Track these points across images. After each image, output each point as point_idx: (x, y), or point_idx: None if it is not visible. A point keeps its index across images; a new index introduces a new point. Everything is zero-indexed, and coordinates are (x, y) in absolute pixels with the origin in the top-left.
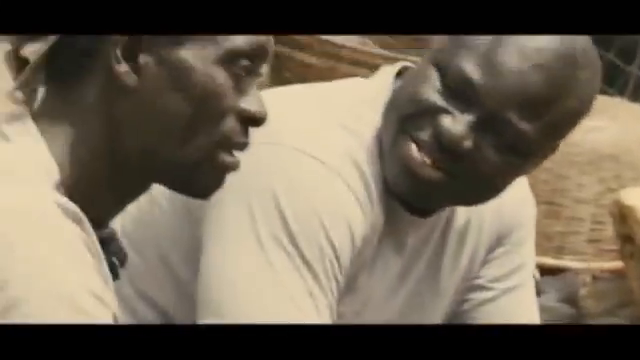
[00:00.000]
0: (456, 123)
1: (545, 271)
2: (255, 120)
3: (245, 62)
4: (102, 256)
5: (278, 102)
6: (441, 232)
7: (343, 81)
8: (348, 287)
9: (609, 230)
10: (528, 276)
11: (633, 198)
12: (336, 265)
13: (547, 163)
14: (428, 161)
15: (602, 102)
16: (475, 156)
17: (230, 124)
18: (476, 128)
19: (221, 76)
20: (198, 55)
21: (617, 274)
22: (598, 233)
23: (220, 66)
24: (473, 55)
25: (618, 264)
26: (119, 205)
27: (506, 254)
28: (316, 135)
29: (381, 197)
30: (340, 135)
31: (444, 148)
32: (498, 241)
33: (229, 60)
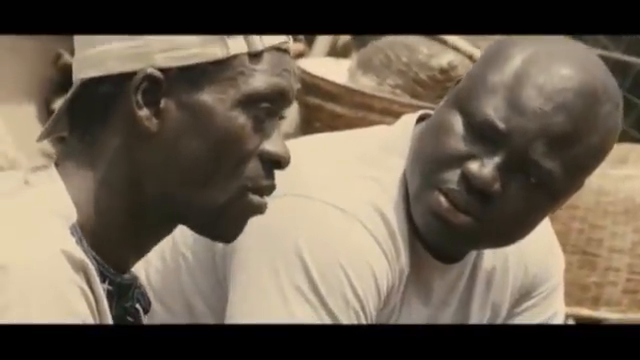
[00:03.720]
0: (484, 167)
1: (581, 322)
2: (278, 162)
3: (265, 105)
4: (104, 304)
5: (298, 152)
6: (467, 280)
7: (365, 129)
8: None
9: None
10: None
11: None
12: (362, 315)
13: (581, 212)
14: (458, 206)
15: (636, 150)
16: (504, 197)
17: (254, 167)
18: (503, 169)
19: (242, 119)
20: (218, 98)
21: None
22: (635, 284)
23: (240, 109)
24: (495, 98)
25: None
26: (139, 249)
27: (534, 307)
28: (338, 185)
29: (407, 243)
30: (362, 183)
31: (473, 192)
32: (525, 295)
33: (249, 103)
